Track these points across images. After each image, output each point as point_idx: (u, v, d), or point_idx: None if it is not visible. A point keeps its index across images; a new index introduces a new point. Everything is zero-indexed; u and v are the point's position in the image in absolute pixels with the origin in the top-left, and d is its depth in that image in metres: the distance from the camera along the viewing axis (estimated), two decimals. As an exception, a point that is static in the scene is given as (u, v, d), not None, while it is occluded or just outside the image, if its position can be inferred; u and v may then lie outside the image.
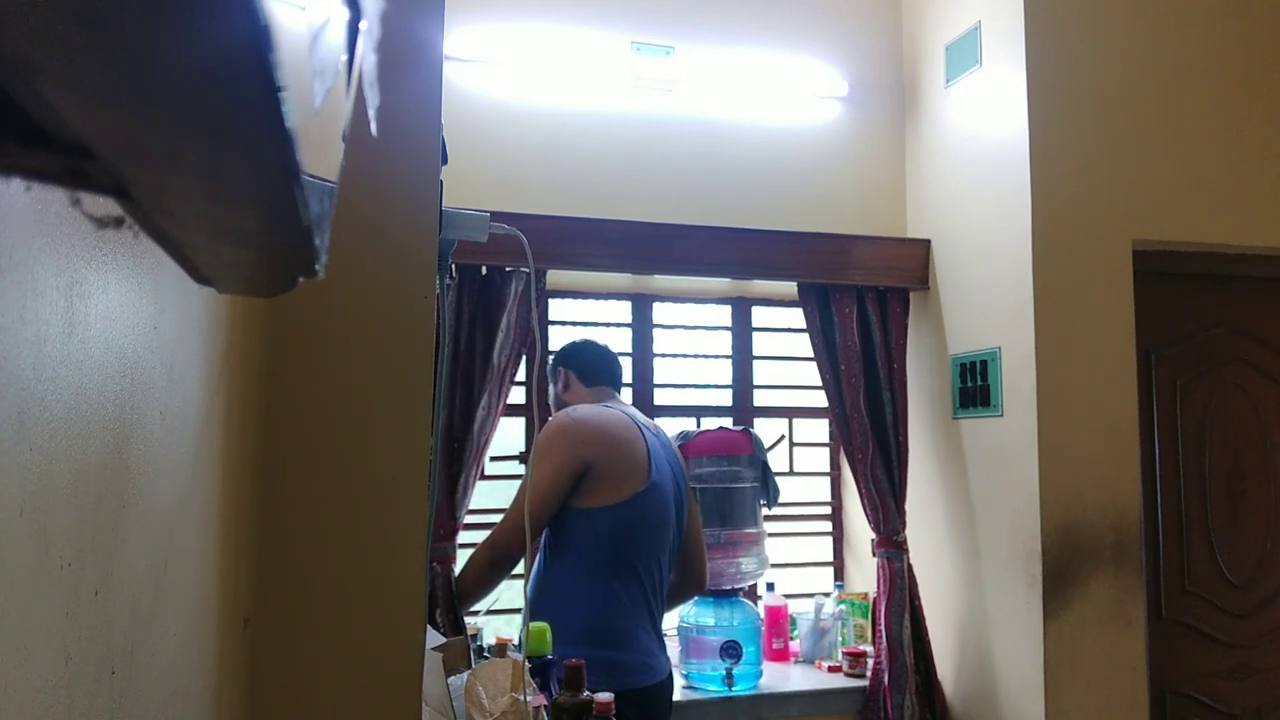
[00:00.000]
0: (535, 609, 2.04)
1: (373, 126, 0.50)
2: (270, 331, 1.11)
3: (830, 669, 2.70)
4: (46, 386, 0.44)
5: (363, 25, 0.43)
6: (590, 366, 2.34)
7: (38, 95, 0.30)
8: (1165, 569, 2.52)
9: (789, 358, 2.99)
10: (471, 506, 2.45)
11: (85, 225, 0.48)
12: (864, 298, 2.74)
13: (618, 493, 2.07)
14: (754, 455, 2.58)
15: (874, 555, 2.70)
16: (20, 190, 0.40)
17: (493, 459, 2.54)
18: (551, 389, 2.37)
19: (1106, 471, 2.39)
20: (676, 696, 2.32)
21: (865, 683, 2.61)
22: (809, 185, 2.87)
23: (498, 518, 2.68)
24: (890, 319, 2.76)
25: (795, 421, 3.01)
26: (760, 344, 2.97)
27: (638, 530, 2.09)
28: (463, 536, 2.43)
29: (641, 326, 2.84)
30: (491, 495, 2.72)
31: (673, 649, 2.43)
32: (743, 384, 2.94)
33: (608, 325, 2.84)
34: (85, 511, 0.51)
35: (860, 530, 2.91)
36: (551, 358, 2.40)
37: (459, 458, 2.37)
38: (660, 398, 2.86)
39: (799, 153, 2.87)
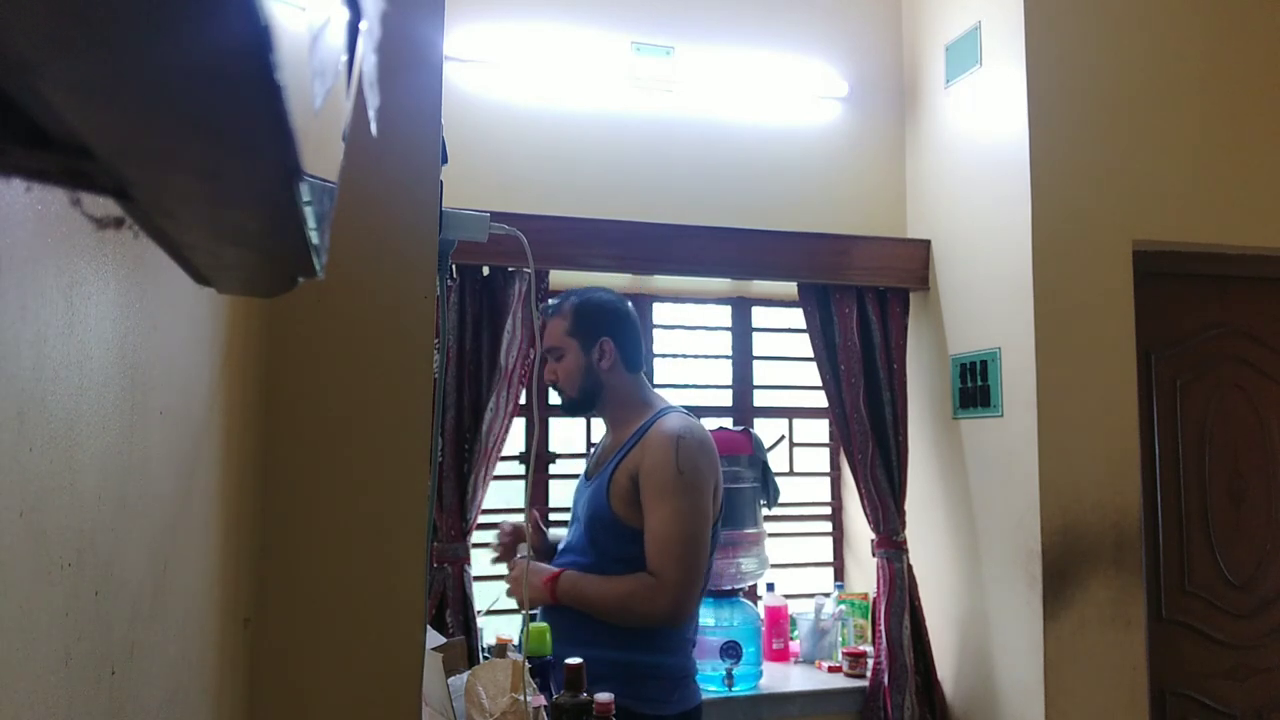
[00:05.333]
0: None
1: (373, 126, 0.50)
2: (270, 331, 1.11)
3: (830, 669, 2.70)
4: (46, 386, 0.44)
5: (363, 25, 0.43)
6: (636, 346, 2.03)
7: (38, 95, 0.30)
8: (1165, 569, 2.52)
9: (789, 358, 2.99)
10: (484, 507, 2.45)
11: (85, 225, 0.48)
12: (864, 298, 2.74)
13: (715, 513, 1.95)
14: (754, 455, 2.58)
15: (874, 555, 2.70)
16: (20, 190, 0.40)
17: (503, 459, 2.52)
18: (582, 358, 1.98)
19: (1106, 471, 2.39)
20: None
21: (865, 683, 2.61)
22: (809, 185, 2.87)
23: (508, 518, 2.68)
24: (890, 319, 2.76)
25: (795, 421, 3.01)
26: (760, 344, 2.97)
27: (713, 554, 1.98)
28: (475, 537, 2.43)
29: (642, 326, 2.84)
30: (502, 496, 2.72)
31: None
32: (743, 384, 2.94)
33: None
34: (85, 511, 0.51)
35: (860, 530, 2.91)
36: (574, 307, 2.00)
37: (469, 459, 2.37)
38: (660, 398, 2.86)
39: (799, 153, 2.87)
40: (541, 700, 1.59)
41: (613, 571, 1.87)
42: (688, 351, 2.92)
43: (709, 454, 1.92)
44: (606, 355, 1.98)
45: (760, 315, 2.98)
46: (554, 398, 2.09)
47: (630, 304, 2.10)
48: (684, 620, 1.84)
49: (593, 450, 2.12)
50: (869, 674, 2.62)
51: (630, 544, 1.86)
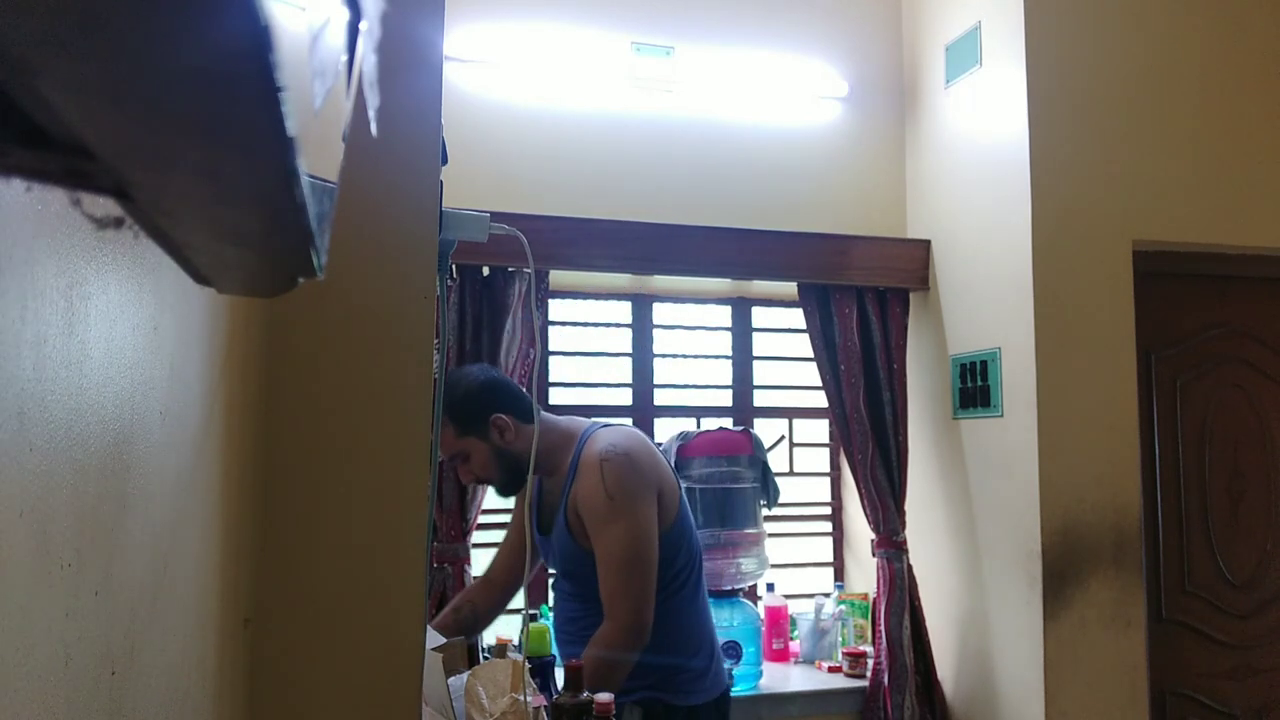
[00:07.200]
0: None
1: (373, 127, 0.50)
2: (270, 331, 1.11)
3: (830, 669, 2.70)
4: (46, 386, 0.44)
5: (363, 26, 0.43)
6: (520, 399, 1.99)
7: (38, 96, 0.30)
8: (1165, 569, 2.52)
9: (789, 358, 2.99)
10: (484, 507, 2.45)
11: (85, 225, 0.48)
12: (864, 298, 2.74)
13: (673, 511, 1.95)
14: (754, 455, 2.58)
15: (874, 555, 2.70)
16: (20, 190, 0.41)
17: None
18: (486, 448, 1.93)
19: (1106, 471, 2.39)
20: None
21: (865, 683, 2.61)
22: (809, 185, 2.87)
23: (509, 518, 2.68)
24: (890, 319, 2.76)
25: (795, 422, 3.01)
26: (760, 344, 2.97)
27: (692, 539, 2.00)
28: (475, 537, 2.43)
29: (641, 327, 2.84)
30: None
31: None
32: (743, 384, 2.94)
33: (608, 325, 2.84)
34: (85, 511, 0.51)
35: (860, 530, 2.91)
36: (448, 412, 1.90)
37: (469, 459, 2.36)
38: (660, 398, 2.86)
39: (799, 153, 2.87)
40: (541, 700, 1.59)
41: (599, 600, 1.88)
42: (688, 351, 2.92)
43: (640, 464, 1.88)
44: (506, 429, 1.93)
45: (760, 315, 2.98)
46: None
47: (482, 365, 2.08)
48: (648, 633, 1.81)
49: (531, 503, 2.03)
50: (869, 674, 2.62)
51: None
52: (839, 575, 3.03)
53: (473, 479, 2.00)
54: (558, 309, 2.79)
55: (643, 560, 1.83)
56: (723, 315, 2.95)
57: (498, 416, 1.92)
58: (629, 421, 2.82)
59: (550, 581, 2.09)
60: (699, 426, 2.81)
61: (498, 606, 2.13)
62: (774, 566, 2.73)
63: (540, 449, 1.90)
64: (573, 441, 1.95)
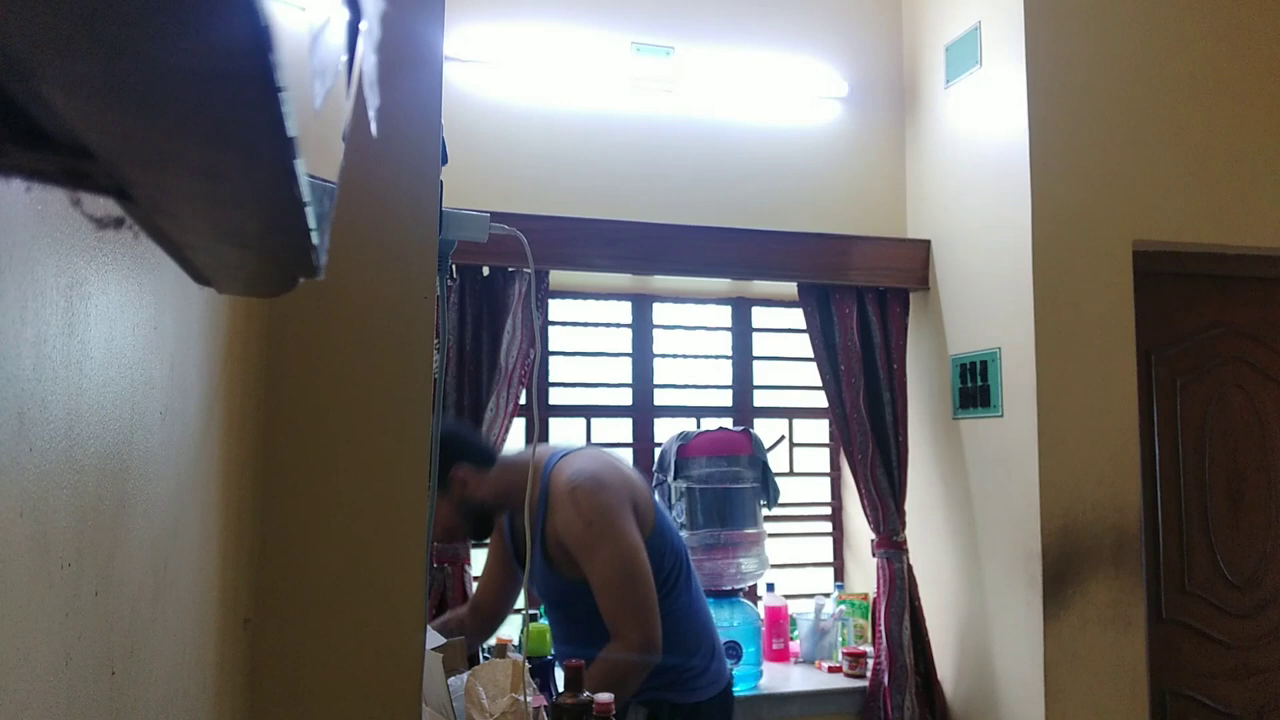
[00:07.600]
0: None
1: (373, 127, 0.50)
2: (270, 331, 1.11)
3: (830, 669, 2.70)
4: (46, 386, 0.44)
5: (363, 26, 0.43)
6: (478, 445, 1.98)
7: (38, 96, 0.30)
8: (1165, 569, 2.52)
9: (789, 358, 2.99)
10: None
11: (85, 225, 0.48)
12: (864, 298, 2.74)
13: (650, 518, 1.95)
14: (754, 456, 2.58)
15: (874, 555, 2.70)
16: (20, 190, 0.41)
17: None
18: (448, 502, 1.90)
19: (1106, 471, 2.39)
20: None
21: (865, 683, 2.61)
22: (809, 185, 2.87)
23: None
24: (890, 319, 2.76)
25: (795, 422, 3.01)
26: (760, 344, 2.97)
27: (675, 540, 2.02)
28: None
29: (641, 327, 2.84)
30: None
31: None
32: (743, 384, 2.94)
33: (608, 325, 2.84)
34: (85, 511, 0.51)
35: (860, 530, 2.91)
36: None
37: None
38: (660, 398, 2.86)
39: (799, 153, 2.87)
40: (541, 700, 1.59)
41: (595, 625, 1.85)
42: (688, 352, 2.92)
43: (608, 484, 1.87)
44: (467, 480, 1.90)
45: (760, 315, 2.98)
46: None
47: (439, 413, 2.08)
48: (659, 648, 1.81)
49: (507, 538, 2.05)
50: (869, 674, 2.62)
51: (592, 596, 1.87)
52: (839, 575, 3.03)
53: (438, 535, 1.95)
54: (558, 309, 2.79)
55: (637, 577, 1.82)
56: (723, 315, 2.95)
57: (455, 468, 1.88)
58: (629, 423, 2.83)
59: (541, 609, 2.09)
60: (699, 426, 2.81)
61: (480, 636, 2.14)
62: (774, 566, 2.73)
63: (503, 488, 1.91)
64: (536, 475, 1.93)
